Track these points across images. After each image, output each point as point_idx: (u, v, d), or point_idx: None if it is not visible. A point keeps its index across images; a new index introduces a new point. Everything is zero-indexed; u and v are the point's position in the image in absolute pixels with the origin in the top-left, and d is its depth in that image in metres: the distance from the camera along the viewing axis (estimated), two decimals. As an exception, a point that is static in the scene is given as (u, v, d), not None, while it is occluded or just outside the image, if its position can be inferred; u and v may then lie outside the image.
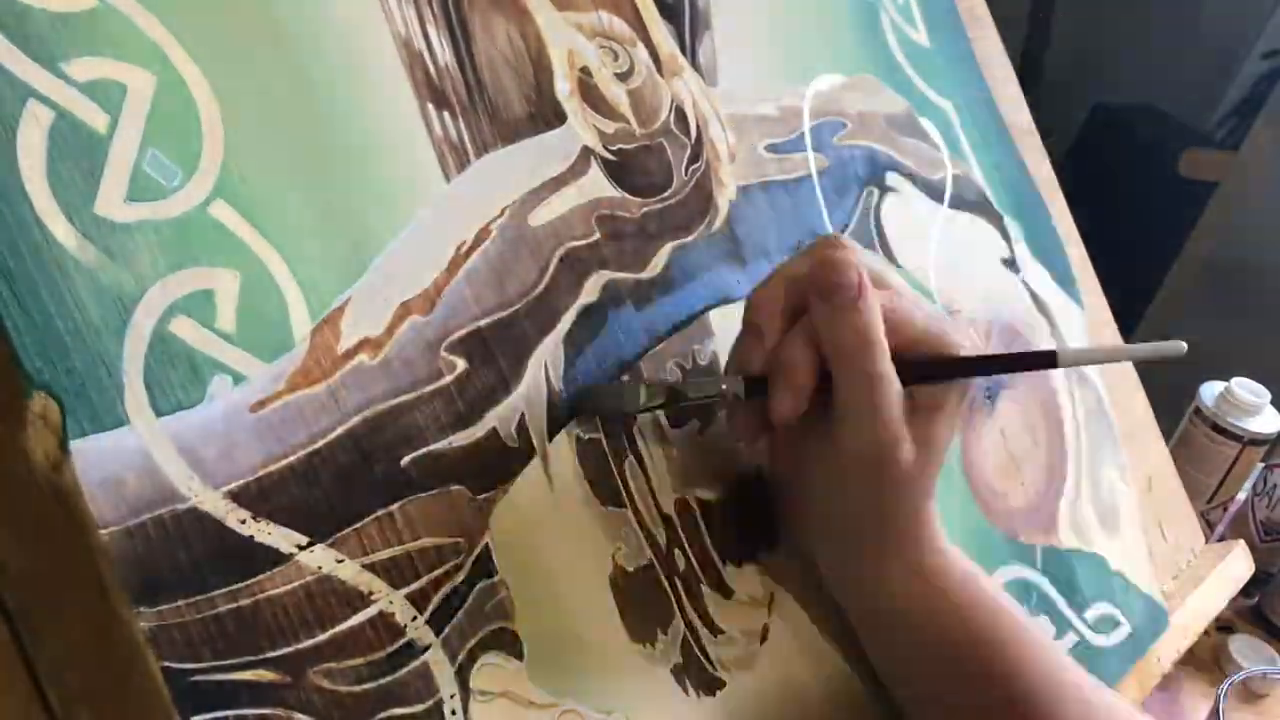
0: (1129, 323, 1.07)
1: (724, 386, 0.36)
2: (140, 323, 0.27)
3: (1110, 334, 0.61)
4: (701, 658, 0.37)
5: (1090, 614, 0.52)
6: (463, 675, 0.31)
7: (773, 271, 0.37)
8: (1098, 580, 0.53)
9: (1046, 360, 0.40)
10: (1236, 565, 0.64)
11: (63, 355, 0.25)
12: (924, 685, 0.40)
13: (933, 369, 0.36)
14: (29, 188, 0.25)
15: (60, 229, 0.26)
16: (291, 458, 0.28)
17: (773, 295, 0.36)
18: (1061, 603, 0.51)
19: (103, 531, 0.25)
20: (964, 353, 0.37)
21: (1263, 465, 0.83)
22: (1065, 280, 0.58)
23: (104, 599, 0.26)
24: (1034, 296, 0.55)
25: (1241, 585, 0.65)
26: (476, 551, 0.32)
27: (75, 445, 0.25)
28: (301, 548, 0.28)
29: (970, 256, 0.53)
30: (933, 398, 0.37)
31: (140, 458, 0.26)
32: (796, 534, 0.41)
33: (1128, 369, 0.61)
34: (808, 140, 0.47)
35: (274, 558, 0.28)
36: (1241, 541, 0.67)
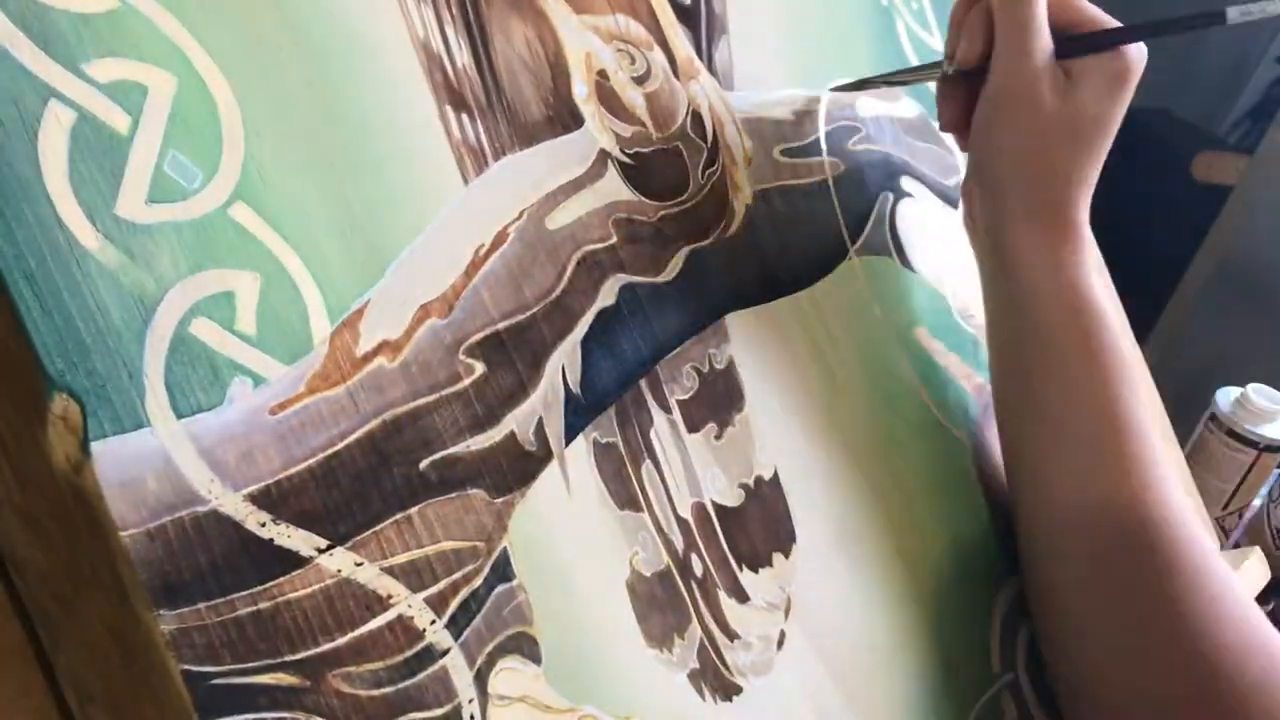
0: (1143, 327, 1.07)
1: (945, 69, 0.45)
2: (161, 324, 0.27)
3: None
4: (719, 663, 0.37)
5: (1106, 620, 0.52)
6: (481, 679, 0.31)
7: None
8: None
9: (1212, 19, 0.40)
10: (1253, 572, 0.64)
11: (84, 357, 0.25)
12: (1017, 377, 0.45)
13: (1086, 40, 0.42)
14: (51, 189, 0.25)
15: (82, 230, 0.26)
16: (311, 460, 0.28)
17: None
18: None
19: (123, 534, 0.25)
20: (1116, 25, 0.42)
21: (1279, 471, 0.82)
22: (1081, 285, 0.58)
23: (124, 601, 0.26)
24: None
25: (1258, 592, 0.64)
26: (495, 555, 0.32)
27: (96, 447, 0.25)
28: (321, 551, 0.28)
29: (986, 261, 0.53)
30: (1083, 67, 0.41)
31: (161, 460, 0.26)
32: (972, 206, 0.46)
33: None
34: (823, 145, 0.47)
35: (294, 561, 0.28)
36: (1257, 548, 0.66)
